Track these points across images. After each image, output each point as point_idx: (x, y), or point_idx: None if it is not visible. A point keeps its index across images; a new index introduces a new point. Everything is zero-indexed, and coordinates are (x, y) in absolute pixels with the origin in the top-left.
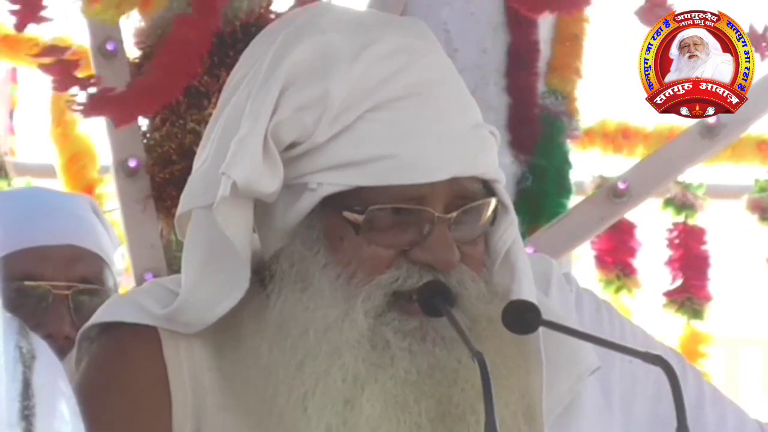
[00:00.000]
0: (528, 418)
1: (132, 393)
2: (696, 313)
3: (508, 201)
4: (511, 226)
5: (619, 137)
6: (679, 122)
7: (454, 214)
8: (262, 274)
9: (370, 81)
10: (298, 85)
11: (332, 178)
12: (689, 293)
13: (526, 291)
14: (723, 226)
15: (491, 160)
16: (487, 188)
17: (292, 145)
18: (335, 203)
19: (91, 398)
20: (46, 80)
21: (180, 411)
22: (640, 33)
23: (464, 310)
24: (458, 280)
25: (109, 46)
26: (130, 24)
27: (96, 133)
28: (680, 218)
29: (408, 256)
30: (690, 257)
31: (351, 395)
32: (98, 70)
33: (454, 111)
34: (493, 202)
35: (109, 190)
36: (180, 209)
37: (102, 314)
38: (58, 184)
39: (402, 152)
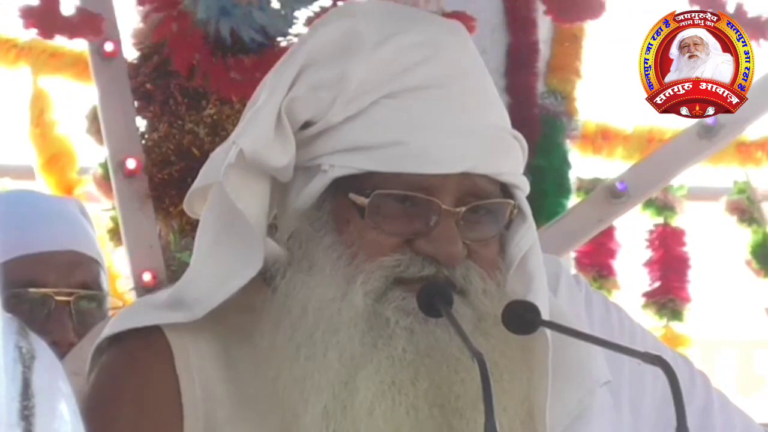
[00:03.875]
0: (527, 426)
1: (142, 403)
2: (675, 315)
3: (527, 207)
4: (528, 233)
5: (599, 138)
6: (659, 123)
7: (463, 209)
8: (270, 271)
9: (390, 68)
10: (318, 65)
11: (343, 161)
12: (670, 294)
13: (541, 302)
14: (702, 227)
15: (511, 163)
16: (506, 192)
17: (307, 125)
18: (345, 186)
19: (100, 408)
20: (26, 80)
21: (191, 424)
22: (640, 33)
23: (472, 305)
24: (463, 274)
25: (108, 47)
26: (129, 25)
27: (75, 134)
28: (660, 219)
29: (412, 246)
30: (670, 258)
31: (347, 376)
32: (96, 71)
33: (474, 108)
34: (509, 204)
35: (87, 191)
36: (196, 183)
37: (112, 326)
38: (37, 185)
39: (413, 140)
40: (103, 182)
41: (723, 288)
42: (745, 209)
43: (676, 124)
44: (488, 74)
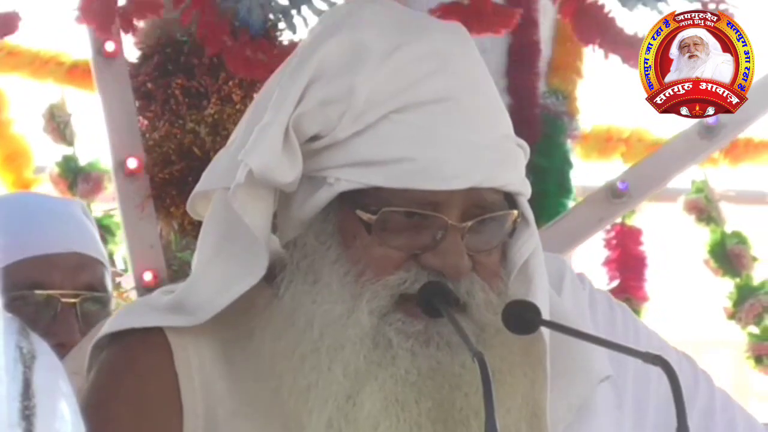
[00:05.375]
0: (532, 426)
1: (141, 402)
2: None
3: (530, 214)
4: (530, 238)
5: None
6: (619, 124)
7: (469, 223)
8: (273, 270)
9: (398, 82)
10: (326, 79)
11: (350, 175)
12: (627, 294)
13: (541, 305)
14: (660, 227)
15: (515, 173)
16: (509, 200)
17: (314, 138)
18: (351, 200)
19: (99, 407)
20: None
21: (191, 422)
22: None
23: (473, 318)
24: (467, 289)
25: (109, 47)
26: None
27: (31, 133)
28: (617, 219)
29: (418, 260)
30: (627, 258)
31: (352, 390)
32: (97, 71)
33: (481, 120)
34: (513, 214)
35: (43, 190)
36: (198, 187)
37: (111, 324)
38: None
39: (421, 157)
40: (60, 181)
41: (681, 287)
42: (703, 208)
43: (635, 123)
44: (491, 80)
